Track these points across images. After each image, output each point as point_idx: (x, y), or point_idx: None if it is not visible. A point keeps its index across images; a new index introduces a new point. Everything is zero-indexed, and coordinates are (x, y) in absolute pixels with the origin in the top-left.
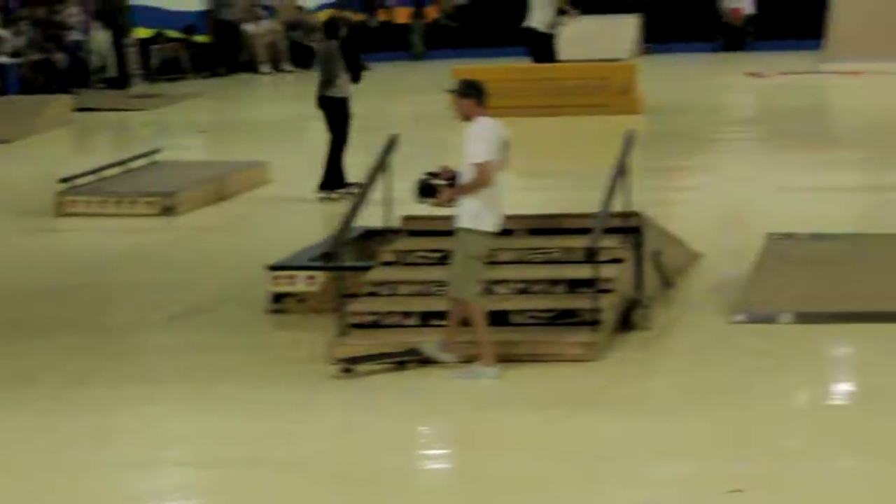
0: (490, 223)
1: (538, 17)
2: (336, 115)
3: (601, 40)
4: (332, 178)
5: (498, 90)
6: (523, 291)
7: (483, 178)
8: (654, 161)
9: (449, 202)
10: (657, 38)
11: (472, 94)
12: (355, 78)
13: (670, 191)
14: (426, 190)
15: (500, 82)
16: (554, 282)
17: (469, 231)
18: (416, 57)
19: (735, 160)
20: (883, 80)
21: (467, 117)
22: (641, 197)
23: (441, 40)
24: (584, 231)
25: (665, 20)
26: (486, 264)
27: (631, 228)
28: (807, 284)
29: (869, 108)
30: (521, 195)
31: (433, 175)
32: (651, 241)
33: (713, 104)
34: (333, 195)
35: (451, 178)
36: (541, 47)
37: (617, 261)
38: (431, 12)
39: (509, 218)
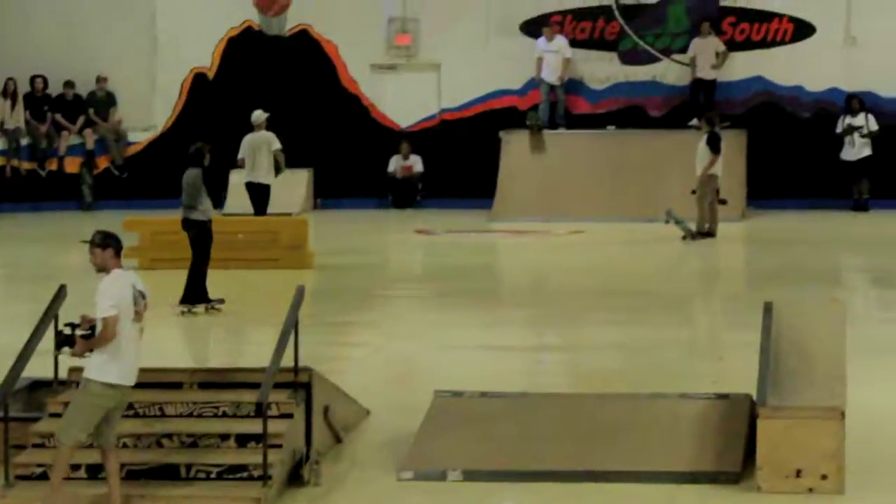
0: (115, 375)
1: (263, 173)
2: (199, 235)
3: (270, 194)
4: (195, 293)
5: (167, 242)
6: (192, 445)
7: (105, 333)
8: (324, 316)
9: (83, 354)
10: (328, 193)
11: (109, 245)
12: (216, 203)
13: (340, 346)
14: (64, 341)
15: (169, 234)
16: (223, 436)
17: (90, 381)
18: (87, 207)
19: (404, 317)
20: (546, 239)
21: (103, 269)
22: (312, 352)
23: (111, 190)
24: (253, 385)
25: (336, 175)
26: (153, 417)
27: (301, 384)
28: (474, 442)
29: (532, 266)
30: (192, 348)
31: (73, 325)
32: (321, 396)
33: (383, 260)
34: (195, 308)
35: (91, 328)
36: (264, 199)
37: (287, 416)
38: (102, 162)
39: (179, 371)
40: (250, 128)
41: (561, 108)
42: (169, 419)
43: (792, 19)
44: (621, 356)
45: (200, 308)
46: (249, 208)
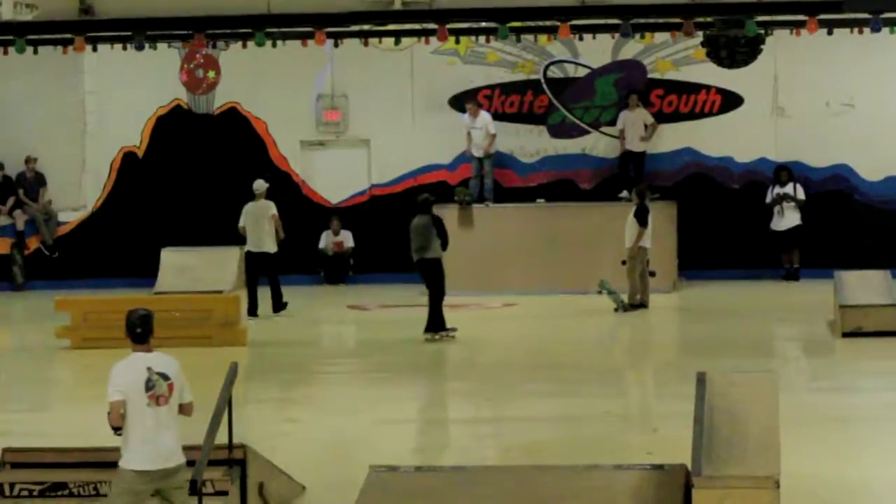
0: (137, 461)
1: (269, 241)
2: (435, 272)
3: (202, 272)
4: (436, 323)
5: (99, 322)
6: None
7: (109, 418)
8: (258, 393)
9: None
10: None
11: (127, 328)
12: (444, 245)
13: (275, 423)
14: None
15: (101, 313)
16: None
17: (118, 467)
18: (18, 287)
19: (338, 392)
20: (479, 312)
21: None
22: (246, 429)
23: (42, 271)
24: (188, 463)
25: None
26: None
27: (235, 460)
28: None
29: (466, 340)
30: None
31: None
32: (256, 472)
33: (316, 336)
34: (436, 336)
35: None
36: (271, 268)
37: (222, 493)
38: (32, 242)
39: (114, 450)
40: (181, 204)
41: (489, 182)
42: (104, 499)
43: (720, 90)
44: (556, 428)
45: (441, 335)
46: (180, 286)
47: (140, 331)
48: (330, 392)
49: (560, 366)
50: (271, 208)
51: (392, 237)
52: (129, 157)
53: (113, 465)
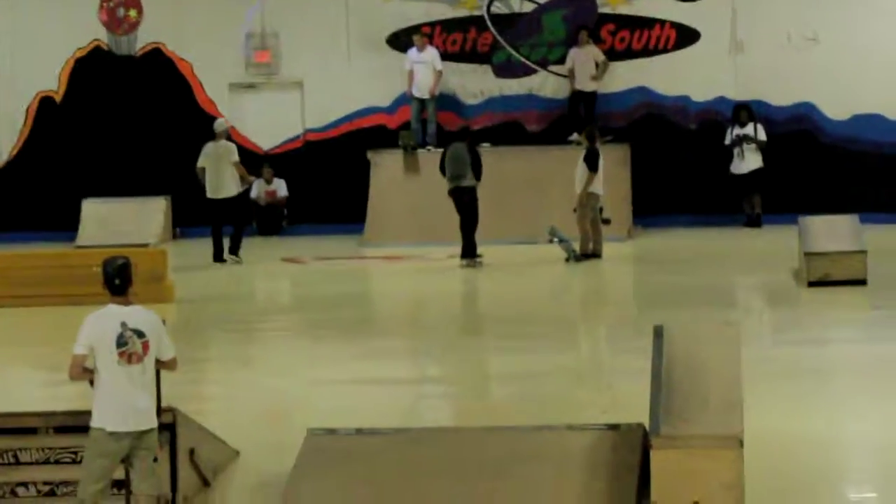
0: (108, 420)
1: (231, 185)
2: (471, 199)
3: (126, 224)
4: (470, 249)
5: (16, 278)
6: (50, 494)
7: (70, 372)
8: (187, 353)
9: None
10: (188, 222)
11: (104, 276)
12: (478, 176)
13: (205, 384)
14: None
15: (17, 269)
16: None
17: (89, 427)
18: None
19: (273, 351)
20: (422, 264)
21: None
22: (175, 391)
23: None
24: None
25: (195, 203)
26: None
27: (164, 425)
28: (352, 482)
29: (407, 294)
30: (46, 391)
31: None
32: (186, 437)
33: (249, 291)
34: (471, 263)
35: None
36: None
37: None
38: None
39: (33, 415)
40: (103, 152)
41: (432, 126)
42: (24, 467)
43: (675, 25)
44: (504, 386)
45: (476, 261)
46: (103, 239)
47: (118, 282)
48: (264, 351)
49: (509, 320)
50: (233, 153)
51: (328, 185)
52: (45, 103)
53: (31, 430)
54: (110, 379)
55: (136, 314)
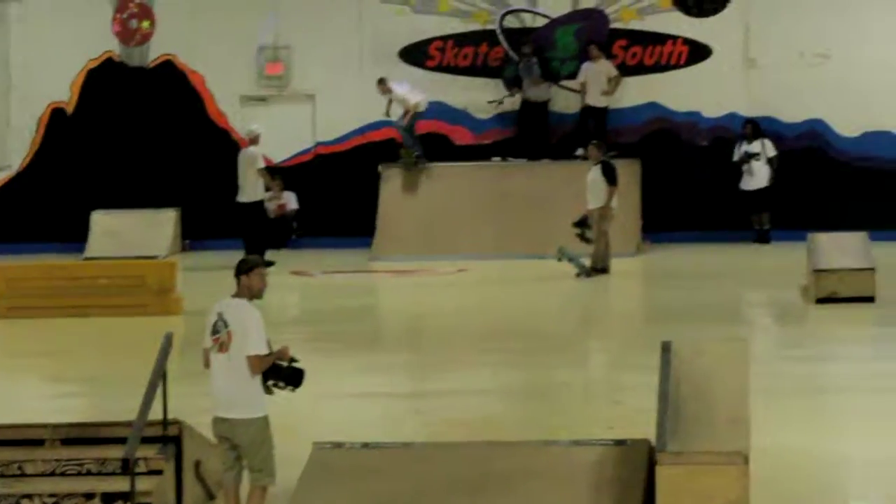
0: (215, 407)
1: (249, 191)
2: None
3: (135, 236)
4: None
5: (26, 289)
6: None
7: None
8: (195, 365)
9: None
10: (197, 235)
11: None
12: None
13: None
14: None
15: (28, 280)
16: (88, 495)
17: None
18: None
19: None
20: (430, 278)
21: None
22: (181, 404)
23: None
24: (120, 441)
25: (205, 215)
26: (12, 477)
27: (170, 437)
28: (358, 497)
29: (415, 308)
30: (53, 403)
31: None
32: (192, 450)
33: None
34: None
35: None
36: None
37: (156, 472)
38: None
39: (39, 426)
40: (113, 164)
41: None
42: (29, 479)
43: (687, 41)
44: (511, 401)
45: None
46: (112, 251)
47: (235, 274)
48: None
49: (516, 335)
50: (256, 160)
51: (338, 199)
52: (57, 114)
53: (37, 442)
54: (212, 365)
55: (231, 305)
